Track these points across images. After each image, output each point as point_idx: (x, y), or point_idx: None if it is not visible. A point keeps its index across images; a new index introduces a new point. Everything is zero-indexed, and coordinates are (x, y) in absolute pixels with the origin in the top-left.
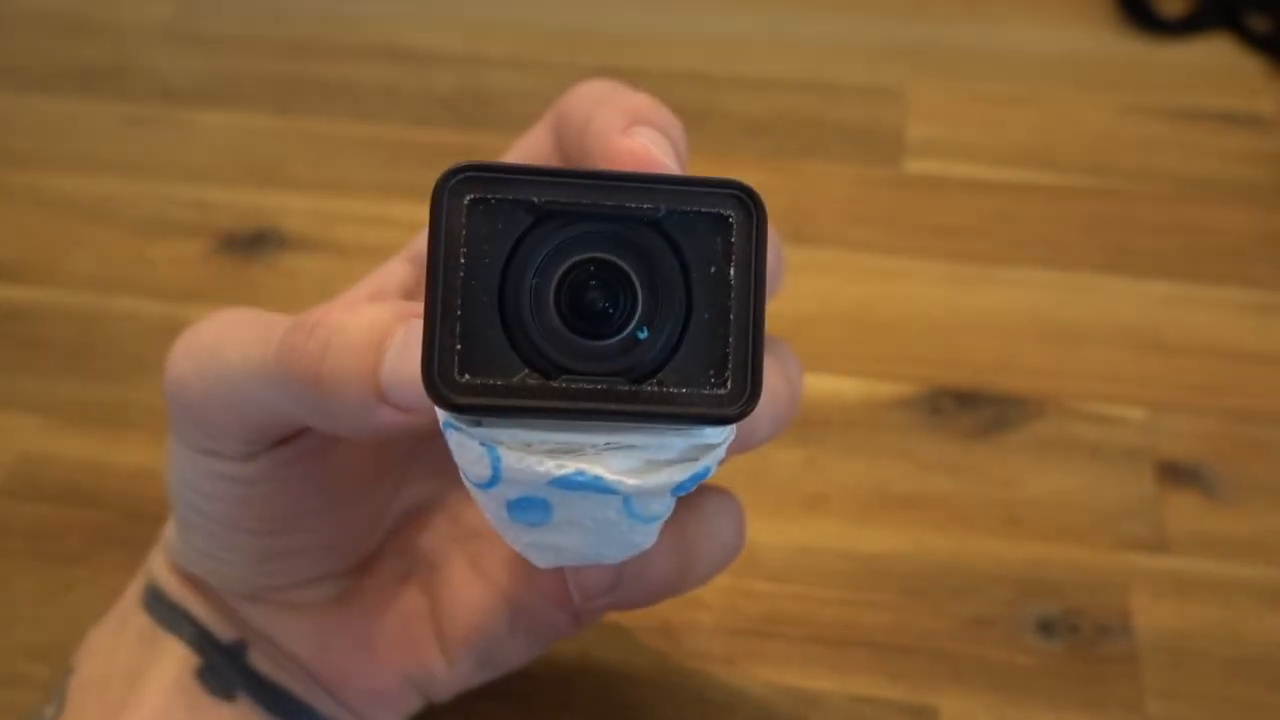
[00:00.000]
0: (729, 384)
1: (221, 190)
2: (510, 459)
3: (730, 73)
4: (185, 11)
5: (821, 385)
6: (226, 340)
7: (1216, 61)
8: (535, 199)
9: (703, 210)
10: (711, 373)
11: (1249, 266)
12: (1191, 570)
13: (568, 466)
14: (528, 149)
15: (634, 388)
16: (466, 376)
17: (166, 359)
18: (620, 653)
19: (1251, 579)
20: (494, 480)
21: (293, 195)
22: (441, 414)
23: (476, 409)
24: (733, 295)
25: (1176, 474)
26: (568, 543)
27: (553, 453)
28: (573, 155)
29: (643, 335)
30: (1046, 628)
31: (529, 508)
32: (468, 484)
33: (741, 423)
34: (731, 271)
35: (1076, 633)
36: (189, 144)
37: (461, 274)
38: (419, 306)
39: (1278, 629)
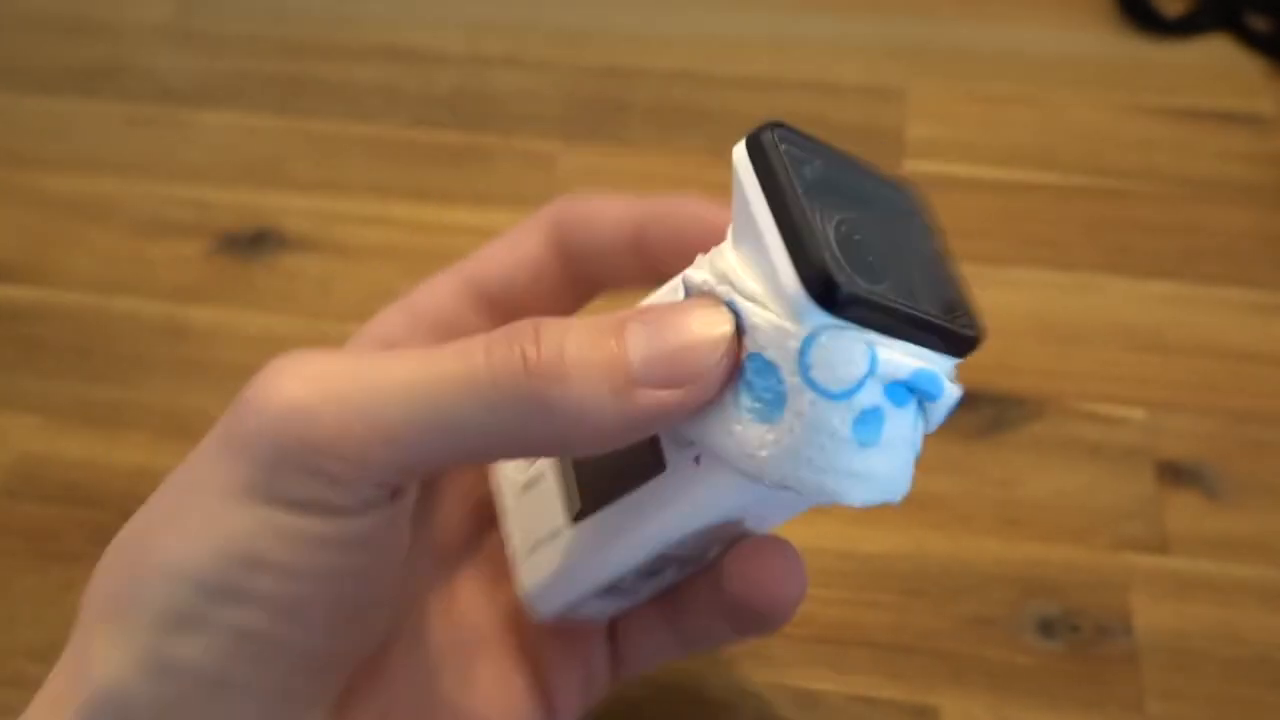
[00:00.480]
0: (968, 323)
1: (221, 190)
2: (884, 351)
3: (730, 73)
4: (185, 11)
5: None
6: (370, 367)
7: (1216, 61)
8: (817, 161)
9: (904, 188)
10: (951, 316)
11: (1249, 266)
12: (1191, 570)
13: (922, 361)
14: (516, 254)
15: (937, 314)
16: (860, 281)
17: (262, 394)
18: None
19: (1251, 579)
20: (863, 381)
21: (293, 195)
22: (812, 325)
23: (875, 305)
24: (938, 256)
25: (1176, 474)
26: (883, 468)
27: (907, 354)
28: (582, 273)
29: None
30: (1046, 628)
31: (870, 421)
32: (803, 408)
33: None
34: (932, 242)
35: (1076, 633)
36: (189, 144)
37: (801, 198)
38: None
39: (1278, 629)
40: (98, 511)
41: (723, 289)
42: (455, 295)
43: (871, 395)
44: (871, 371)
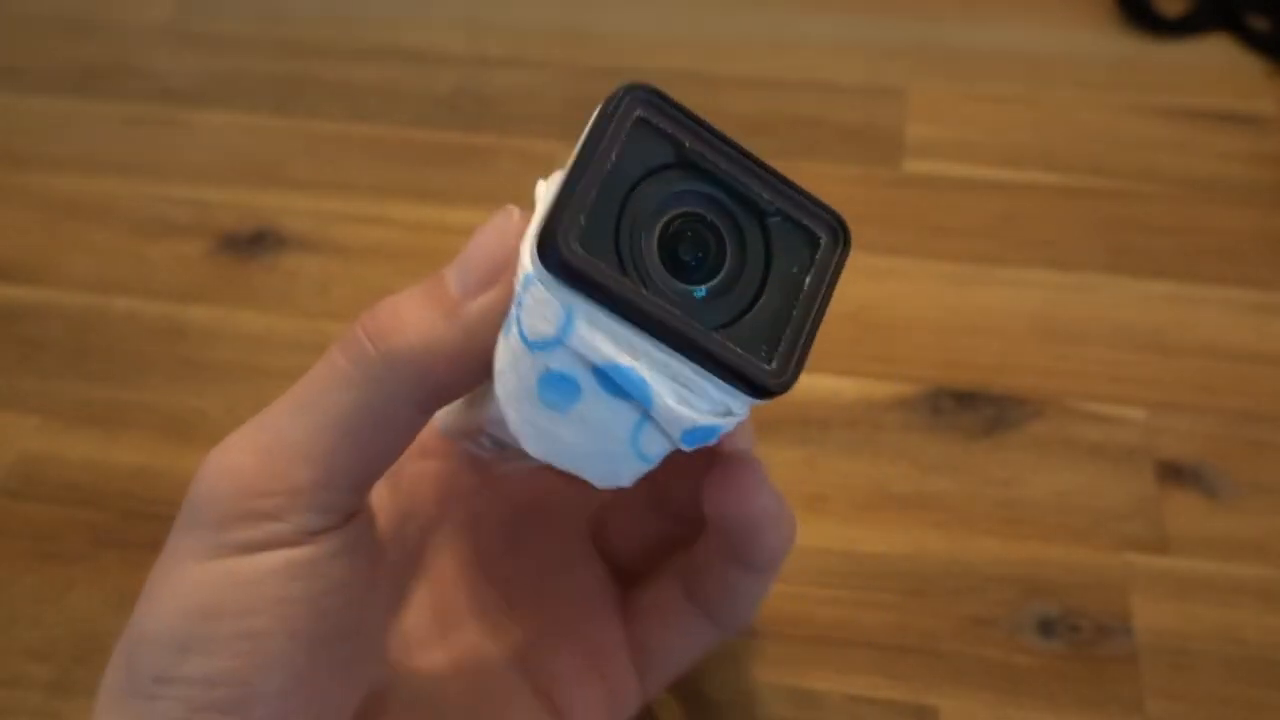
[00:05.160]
0: (775, 363)
1: (221, 190)
2: (583, 328)
3: (730, 73)
4: (185, 11)
5: (821, 385)
6: (269, 414)
7: (1216, 61)
8: (686, 144)
9: (804, 223)
10: (764, 349)
11: (1249, 266)
12: (1191, 570)
13: (625, 360)
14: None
15: (703, 329)
16: (578, 249)
17: (202, 472)
18: None
19: (1251, 579)
20: (554, 343)
21: (293, 195)
22: (532, 268)
23: (582, 276)
24: (801, 295)
25: (1176, 474)
26: (570, 439)
27: (616, 346)
28: None
29: (700, 294)
30: (1046, 628)
31: (560, 387)
32: (512, 341)
33: (728, 429)
34: (807, 279)
35: (1076, 633)
36: (189, 144)
37: (606, 169)
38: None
39: (1278, 629)
40: (98, 511)
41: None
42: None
43: (563, 361)
44: (560, 339)
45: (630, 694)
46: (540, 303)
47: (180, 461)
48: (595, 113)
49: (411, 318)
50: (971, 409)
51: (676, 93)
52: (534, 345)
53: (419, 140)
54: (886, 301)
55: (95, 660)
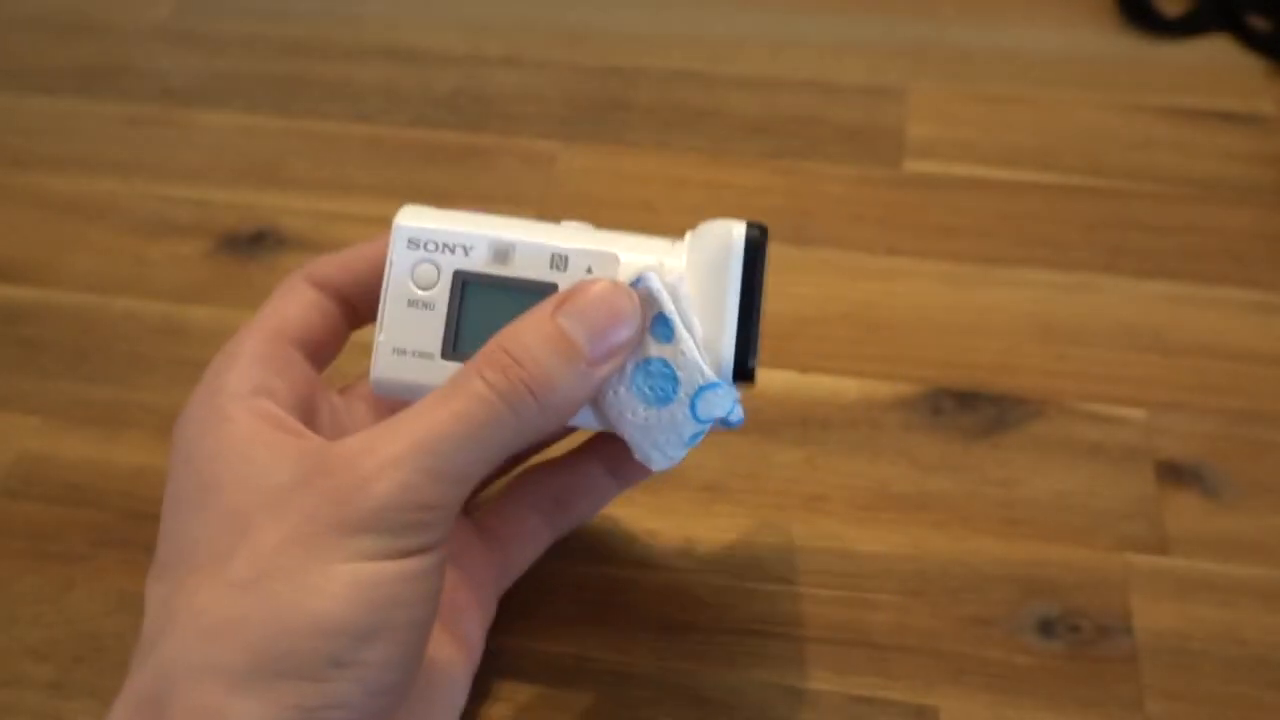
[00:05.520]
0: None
1: (221, 190)
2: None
3: (730, 73)
4: (185, 11)
5: (821, 385)
6: (416, 431)
7: (1216, 61)
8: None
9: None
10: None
11: (1249, 266)
12: (1191, 570)
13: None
14: (301, 301)
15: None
16: (753, 367)
17: (347, 477)
18: (620, 652)
19: (1251, 579)
20: (724, 419)
21: (293, 195)
22: (718, 379)
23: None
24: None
25: (1176, 474)
26: (681, 457)
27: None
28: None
29: None
30: (1046, 628)
31: (700, 434)
32: (674, 412)
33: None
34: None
35: (1076, 633)
36: (189, 144)
37: (759, 300)
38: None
39: (1278, 629)
40: (98, 511)
41: (669, 306)
42: (270, 342)
43: (712, 424)
44: (725, 417)
45: (492, 611)
46: (717, 399)
47: None
48: (740, 246)
49: (557, 374)
50: (971, 409)
51: (677, 92)
52: (702, 420)
53: (419, 140)
54: (886, 301)
55: (95, 660)
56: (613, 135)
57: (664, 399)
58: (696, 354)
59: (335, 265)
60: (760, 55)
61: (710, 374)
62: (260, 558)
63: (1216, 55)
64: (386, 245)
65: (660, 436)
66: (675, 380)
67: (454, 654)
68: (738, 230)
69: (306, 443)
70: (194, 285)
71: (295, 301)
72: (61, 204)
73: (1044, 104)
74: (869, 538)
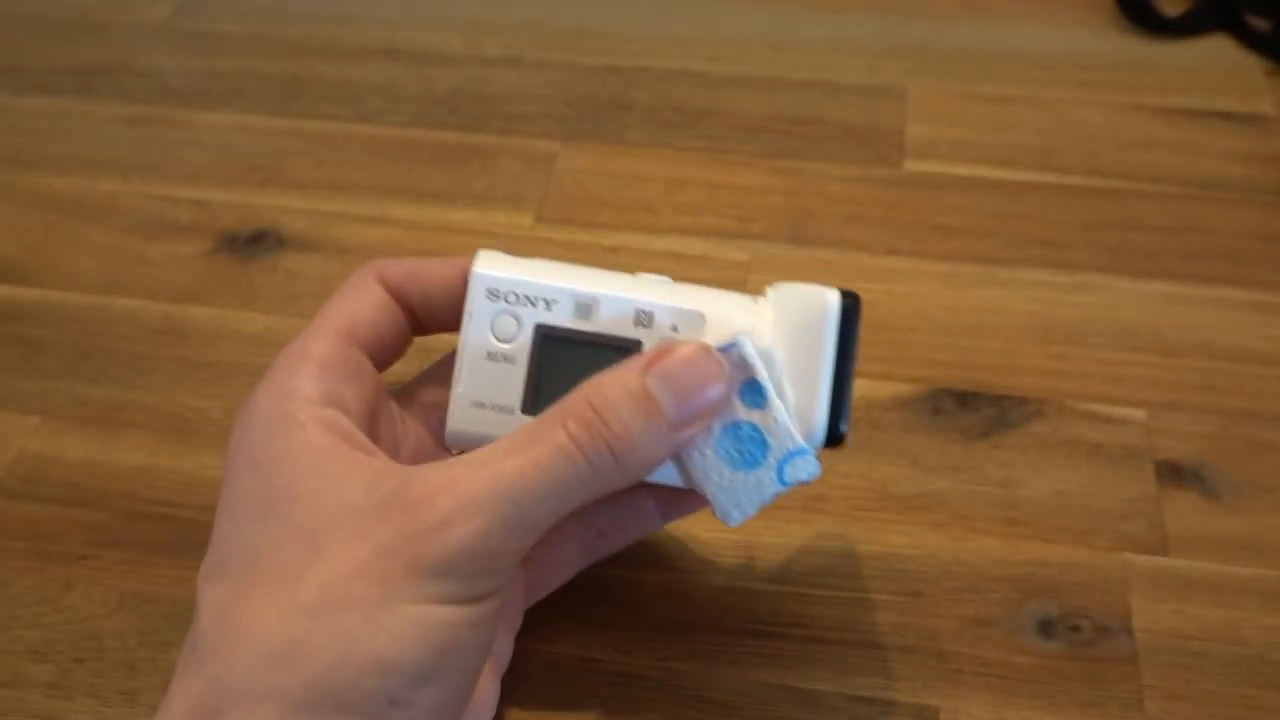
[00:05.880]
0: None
1: (221, 190)
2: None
3: (730, 73)
4: (185, 11)
5: None
6: (492, 474)
7: (1216, 61)
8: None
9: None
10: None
11: (1249, 266)
12: (1191, 570)
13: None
14: (370, 301)
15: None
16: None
17: (424, 515)
18: (620, 653)
19: (1251, 579)
20: (806, 481)
21: (293, 195)
22: (808, 444)
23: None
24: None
25: (1176, 474)
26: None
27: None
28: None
29: None
30: (1046, 628)
31: (783, 494)
32: (772, 477)
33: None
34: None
35: (1076, 633)
36: (189, 144)
37: (852, 367)
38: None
39: (1278, 629)
40: (98, 511)
41: (762, 373)
42: (339, 344)
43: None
44: (807, 479)
45: (518, 623)
46: (804, 464)
47: (180, 461)
48: (835, 315)
49: (639, 435)
50: (971, 409)
51: (676, 92)
52: (786, 483)
53: (419, 140)
54: (886, 301)
55: (95, 660)
56: (613, 135)
57: (752, 463)
58: (789, 422)
59: (407, 274)
60: (760, 55)
61: (801, 441)
62: (332, 585)
63: (1216, 55)
64: (461, 268)
65: (742, 497)
66: (765, 445)
67: (488, 674)
68: (833, 298)
69: (380, 464)
70: (194, 285)
71: (366, 301)
72: (61, 204)
73: (1044, 104)
74: (869, 538)
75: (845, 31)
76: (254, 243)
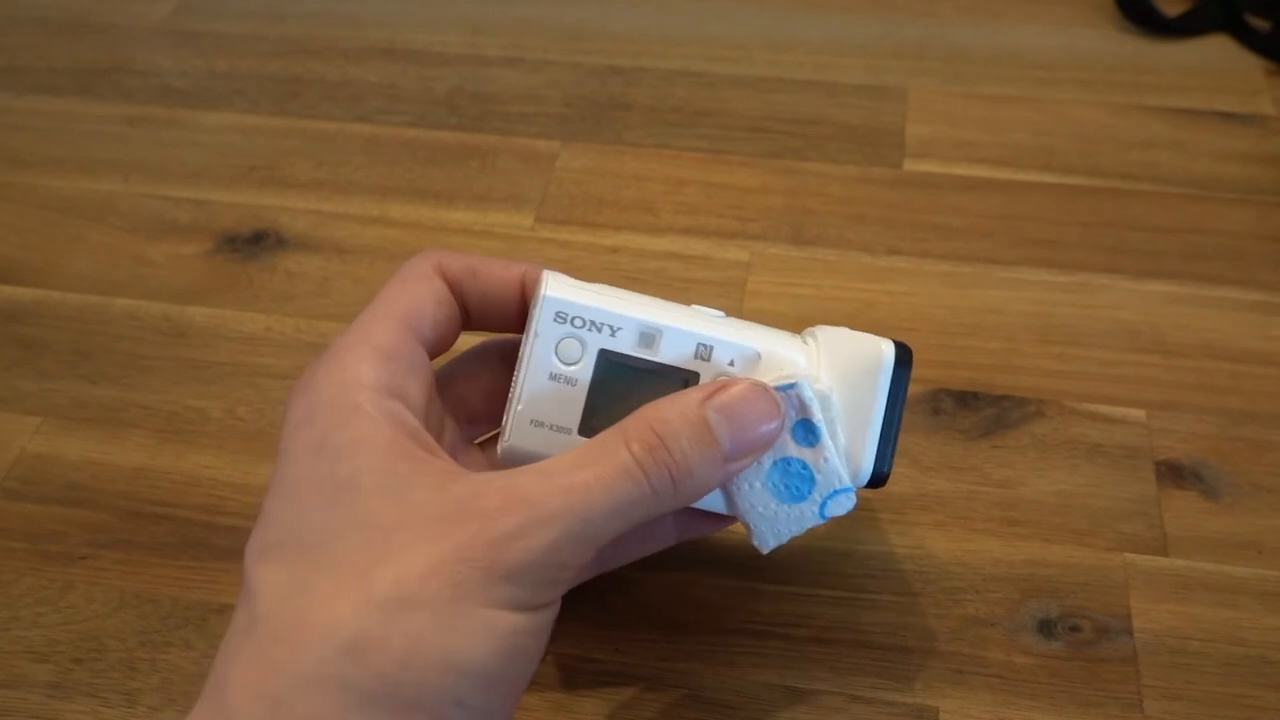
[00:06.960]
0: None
1: (221, 190)
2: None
3: (730, 73)
4: (185, 11)
5: None
6: (561, 497)
7: (1216, 61)
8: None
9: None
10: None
11: (1249, 266)
12: (1191, 570)
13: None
14: (429, 291)
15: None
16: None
17: (498, 528)
18: (620, 653)
19: (1251, 579)
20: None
21: (292, 195)
22: (851, 484)
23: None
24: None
25: (1176, 474)
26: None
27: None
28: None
29: None
30: (1046, 628)
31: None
32: (805, 508)
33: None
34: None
35: (1076, 633)
36: (189, 144)
37: (900, 414)
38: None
39: (1278, 629)
40: (98, 511)
41: (818, 415)
42: (401, 334)
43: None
44: (843, 513)
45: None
46: (846, 501)
47: (180, 461)
48: (889, 364)
49: (696, 464)
50: (971, 409)
51: (676, 92)
52: (824, 517)
53: (418, 140)
54: (886, 301)
55: (95, 660)
56: (613, 135)
57: (797, 497)
58: (838, 462)
59: (466, 270)
60: (760, 55)
61: (847, 480)
62: (406, 582)
63: (1216, 55)
64: (518, 273)
65: (782, 527)
66: (812, 482)
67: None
68: (888, 350)
69: (444, 465)
70: (194, 285)
71: (427, 293)
72: (61, 204)
73: (1044, 104)
74: (869, 538)
75: (845, 31)
76: (254, 243)
